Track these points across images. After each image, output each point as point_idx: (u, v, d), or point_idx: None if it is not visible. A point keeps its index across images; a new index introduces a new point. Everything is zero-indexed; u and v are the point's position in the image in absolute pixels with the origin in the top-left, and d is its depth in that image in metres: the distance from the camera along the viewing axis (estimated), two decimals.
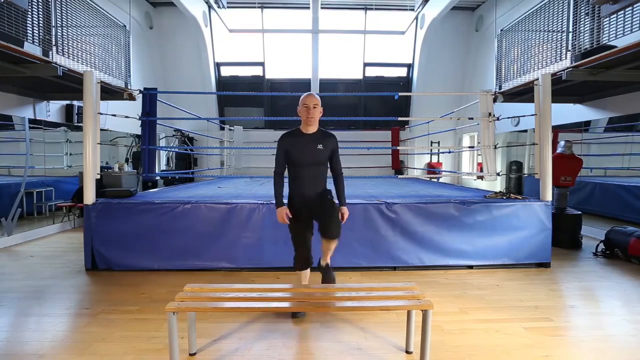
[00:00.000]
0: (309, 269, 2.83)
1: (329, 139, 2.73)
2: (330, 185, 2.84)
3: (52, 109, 5.74)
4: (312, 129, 2.72)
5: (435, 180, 7.76)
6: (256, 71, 10.06)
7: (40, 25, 3.95)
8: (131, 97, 5.32)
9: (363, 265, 3.88)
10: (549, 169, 4.10)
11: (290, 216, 2.71)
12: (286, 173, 2.81)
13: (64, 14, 4.31)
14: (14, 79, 4.48)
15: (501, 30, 5.66)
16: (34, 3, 3.86)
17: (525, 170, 7.58)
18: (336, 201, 2.78)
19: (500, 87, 5.62)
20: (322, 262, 2.92)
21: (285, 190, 2.81)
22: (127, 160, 7.51)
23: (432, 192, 5.01)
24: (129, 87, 5.49)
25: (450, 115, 7.65)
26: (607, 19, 3.70)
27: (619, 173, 5.63)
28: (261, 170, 9.08)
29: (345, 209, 2.78)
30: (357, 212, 3.84)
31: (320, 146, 2.67)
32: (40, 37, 3.96)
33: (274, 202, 3.83)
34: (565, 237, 4.81)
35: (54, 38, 4.13)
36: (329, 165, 2.80)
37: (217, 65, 9.83)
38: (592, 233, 5.31)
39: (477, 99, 5.07)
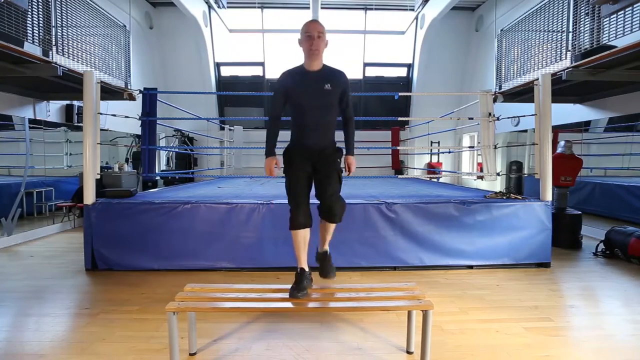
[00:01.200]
0: (307, 230, 2.35)
1: (338, 77, 2.32)
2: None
3: (52, 109, 5.74)
4: (317, 64, 2.30)
5: (435, 180, 7.76)
6: (256, 71, 10.07)
7: (40, 25, 3.95)
8: (131, 97, 5.33)
9: (363, 265, 3.88)
10: (549, 169, 4.10)
11: (279, 167, 2.36)
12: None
13: (64, 14, 4.31)
14: (14, 79, 4.48)
15: (501, 30, 5.67)
16: (34, 3, 3.86)
17: (525, 170, 7.58)
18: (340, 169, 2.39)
19: (500, 87, 5.62)
20: (319, 249, 2.53)
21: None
22: (127, 160, 7.51)
23: (432, 192, 5.01)
24: (129, 87, 5.50)
25: (450, 115, 7.65)
26: (607, 19, 3.70)
27: (619, 173, 5.63)
28: (261, 170, 9.03)
29: (351, 159, 2.41)
30: (357, 212, 3.84)
31: (327, 86, 2.27)
32: (40, 37, 3.96)
33: (274, 202, 3.89)
34: (565, 237, 4.81)
35: (54, 38, 4.13)
36: (338, 111, 2.40)
37: (217, 65, 9.83)
38: (592, 233, 5.31)
39: (477, 99, 5.07)
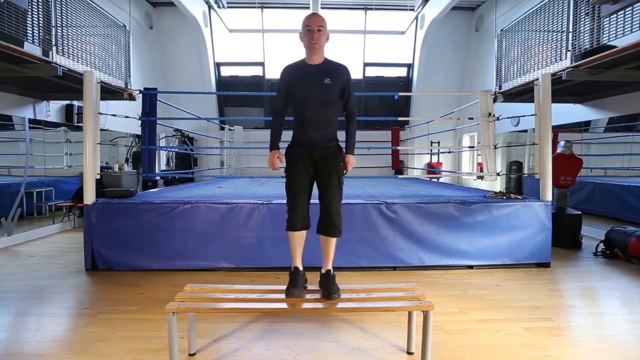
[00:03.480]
0: (304, 232, 2.32)
1: (339, 72, 2.28)
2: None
3: (52, 109, 5.74)
4: (318, 58, 2.28)
5: (435, 180, 7.76)
6: (256, 71, 10.07)
7: (40, 25, 3.95)
8: (131, 97, 5.33)
9: (363, 265, 3.88)
10: (549, 169, 4.10)
11: (282, 162, 2.33)
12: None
13: (64, 14, 4.31)
14: (14, 79, 4.48)
15: (501, 30, 5.67)
16: (34, 3, 3.86)
17: (525, 170, 7.58)
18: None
19: (500, 87, 5.62)
20: (322, 269, 2.36)
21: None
22: (127, 160, 7.51)
23: (432, 192, 5.01)
24: (129, 87, 5.50)
25: (450, 115, 7.65)
26: (607, 19, 3.70)
27: (619, 173, 5.63)
28: (261, 170, 9.08)
29: (350, 158, 2.35)
30: (357, 212, 3.84)
31: (327, 80, 2.22)
32: (40, 37, 3.96)
33: (274, 202, 3.89)
34: (565, 237, 4.81)
35: (54, 38, 4.13)
36: (340, 106, 2.35)
37: (217, 65, 9.83)
38: (592, 233, 5.31)
39: (477, 99, 5.07)
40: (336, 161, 2.32)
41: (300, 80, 2.27)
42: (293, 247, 2.35)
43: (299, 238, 2.33)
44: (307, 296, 2.30)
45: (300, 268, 2.35)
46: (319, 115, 2.28)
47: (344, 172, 2.35)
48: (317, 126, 2.29)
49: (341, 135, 2.43)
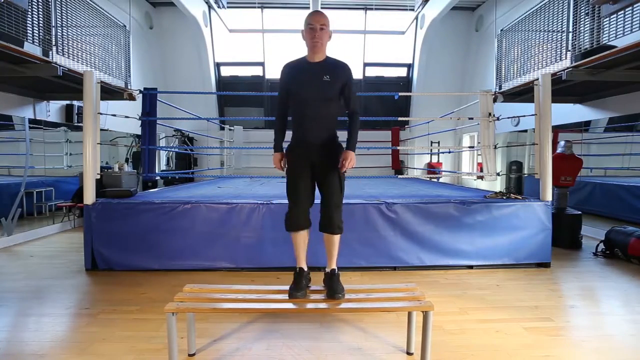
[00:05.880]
0: (305, 232, 2.34)
1: (338, 69, 2.27)
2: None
3: (52, 109, 5.74)
4: (319, 56, 2.28)
5: (435, 180, 7.76)
6: (256, 71, 10.07)
7: (40, 25, 3.95)
8: (131, 97, 5.33)
9: (363, 265, 3.88)
10: (549, 169, 4.10)
11: (285, 165, 2.34)
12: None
13: (64, 14, 4.31)
14: (14, 79, 4.48)
15: (501, 30, 5.67)
16: (34, 3, 3.86)
17: (525, 170, 7.58)
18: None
19: (500, 87, 5.62)
20: (326, 269, 2.37)
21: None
22: (127, 160, 7.51)
23: (432, 192, 5.01)
24: (129, 87, 5.50)
25: (450, 115, 7.65)
26: (607, 19, 3.70)
27: (619, 173, 5.63)
28: (261, 170, 9.08)
29: (350, 154, 2.26)
30: (357, 212, 3.84)
31: (326, 77, 2.22)
32: (40, 37, 3.96)
33: (274, 201, 3.89)
34: (565, 237, 4.81)
35: (54, 38, 4.12)
36: (341, 104, 2.35)
37: (217, 65, 9.83)
38: (592, 233, 5.31)
39: (477, 99, 5.07)
40: (335, 160, 2.30)
41: (299, 78, 2.27)
42: (296, 247, 2.36)
43: (302, 238, 2.34)
44: (311, 296, 2.30)
45: (305, 268, 2.37)
46: (318, 114, 2.26)
47: (342, 168, 2.28)
48: (317, 125, 2.28)
49: (342, 134, 2.41)
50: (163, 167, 9.27)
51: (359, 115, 2.39)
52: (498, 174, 4.95)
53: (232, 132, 9.43)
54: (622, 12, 3.48)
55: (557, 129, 5.92)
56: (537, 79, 4.22)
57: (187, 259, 3.84)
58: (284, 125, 2.42)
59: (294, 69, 2.32)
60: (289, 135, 2.44)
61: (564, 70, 4.21)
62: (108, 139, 6.85)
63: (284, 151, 2.42)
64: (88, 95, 3.91)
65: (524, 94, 5.17)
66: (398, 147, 8.31)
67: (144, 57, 8.58)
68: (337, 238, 2.34)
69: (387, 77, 10.28)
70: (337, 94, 2.29)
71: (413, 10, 8.80)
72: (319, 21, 2.23)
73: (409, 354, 2.29)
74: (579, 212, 4.95)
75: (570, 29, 4.25)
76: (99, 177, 4.04)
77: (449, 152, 9.87)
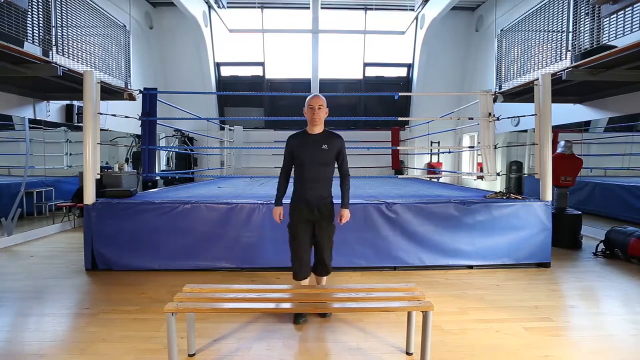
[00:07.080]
0: (307, 279, 2.79)
1: (334, 140, 2.72)
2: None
3: (52, 109, 5.74)
4: (318, 129, 2.73)
5: (435, 180, 7.76)
6: (256, 71, 10.06)
7: (40, 25, 3.95)
8: (131, 97, 5.33)
9: (363, 265, 3.88)
10: (549, 169, 4.10)
11: (282, 218, 2.80)
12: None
13: (64, 14, 4.31)
14: (14, 79, 4.48)
15: (501, 30, 5.66)
16: (34, 3, 3.86)
17: (525, 170, 7.58)
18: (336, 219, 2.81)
19: (500, 87, 5.62)
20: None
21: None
22: (127, 160, 7.51)
23: (432, 192, 5.01)
24: (129, 87, 5.49)
25: (450, 115, 7.65)
26: (607, 19, 3.69)
27: (619, 173, 5.63)
28: (261, 170, 9.08)
29: (345, 212, 2.77)
30: (357, 212, 3.84)
31: (324, 146, 2.67)
32: (40, 37, 3.95)
33: (273, 201, 3.87)
34: (565, 237, 4.81)
35: (54, 38, 4.12)
36: (335, 168, 2.79)
37: (217, 65, 9.83)
38: (592, 233, 5.31)
39: (477, 99, 5.06)
40: (330, 218, 2.76)
41: (302, 146, 2.71)
42: (298, 284, 2.77)
43: (306, 281, 2.78)
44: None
45: None
46: (316, 175, 2.70)
47: (340, 222, 2.80)
48: (315, 185, 2.70)
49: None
50: (163, 167, 9.27)
51: (349, 176, 2.83)
52: (498, 174, 4.94)
53: (232, 132, 9.43)
54: (622, 12, 3.48)
55: (557, 129, 5.92)
56: (537, 79, 4.22)
57: (187, 259, 3.84)
58: (286, 182, 2.84)
59: (297, 140, 2.75)
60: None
61: (564, 70, 4.21)
62: (108, 139, 6.85)
63: (289, 208, 2.79)
64: (88, 95, 3.91)
65: (524, 94, 5.17)
66: (398, 147, 8.31)
67: (144, 57, 8.58)
68: (325, 277, 2.88)
69: (387, 77, 10.27)
70: (332, 160, 2.74)
71: (413, 10, 8.80)
72: (317, 102, 2.68)
73: (408, 354, 2.29)
74: (579, 212, 4.96)
75: (570, 29, 4.25)
76: (99, 177, 4.04)
77: (449, 152, 9.87)
